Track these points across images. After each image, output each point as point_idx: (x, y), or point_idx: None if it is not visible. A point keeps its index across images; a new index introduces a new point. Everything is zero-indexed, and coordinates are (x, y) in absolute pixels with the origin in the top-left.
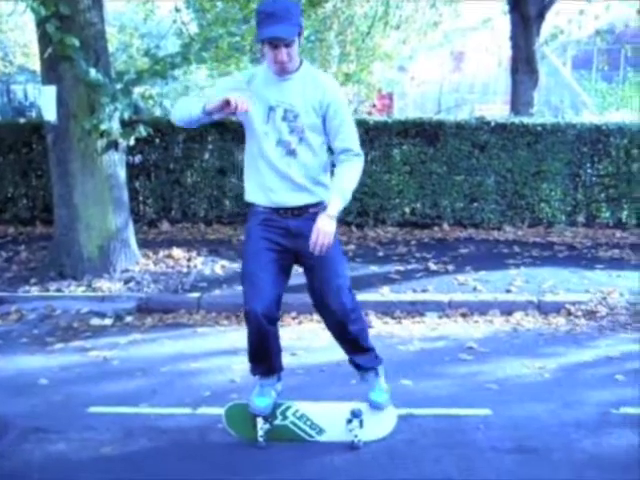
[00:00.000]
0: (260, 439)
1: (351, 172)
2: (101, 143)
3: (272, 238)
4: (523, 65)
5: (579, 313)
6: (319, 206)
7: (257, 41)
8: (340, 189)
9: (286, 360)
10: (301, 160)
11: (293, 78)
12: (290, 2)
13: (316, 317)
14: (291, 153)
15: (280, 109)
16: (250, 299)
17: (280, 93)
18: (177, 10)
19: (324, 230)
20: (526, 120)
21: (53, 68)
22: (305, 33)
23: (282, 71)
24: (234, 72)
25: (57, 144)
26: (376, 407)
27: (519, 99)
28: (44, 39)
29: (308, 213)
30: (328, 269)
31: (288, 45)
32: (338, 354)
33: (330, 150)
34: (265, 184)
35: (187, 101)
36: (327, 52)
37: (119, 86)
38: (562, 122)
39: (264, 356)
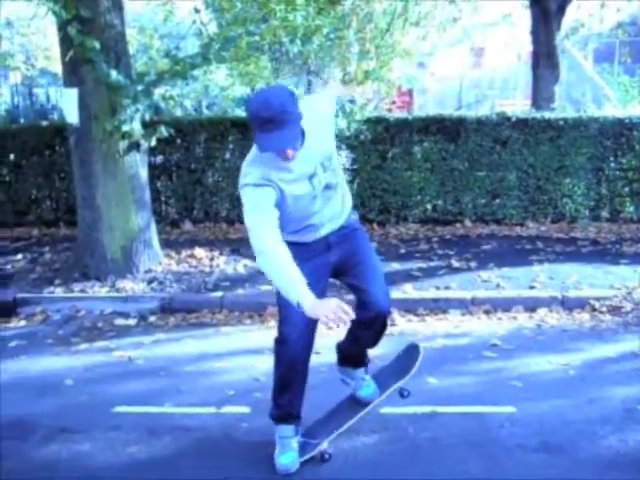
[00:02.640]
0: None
1: None
2: (123, 144)
3: (314, 266)
4: (544, 60)
5: (604, 309)
6: (351, 213)
7: (257, 146)
8: None
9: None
10: (338, 188)
11: (305, 140)
12: (282, 96)
13: None
14: (332, 188)
15: (319, 168)
16: (290, 325)
17: (308, 158)
18: (196, 11)
19: None
20: (548, 115)
21: (74, 71)
22: (324, 31)
23: (290, 160)
24: (260, 200)
25: (79, 146)
26: (370, 400)
27: (540, 94)
28: (65, 42)
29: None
30: (370, 268)
31: (295, 148)
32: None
33: None
34: (310, 233)
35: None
36: (346, 50)
37: (140, 87)
38: (584, 116)
39: (290, 388)
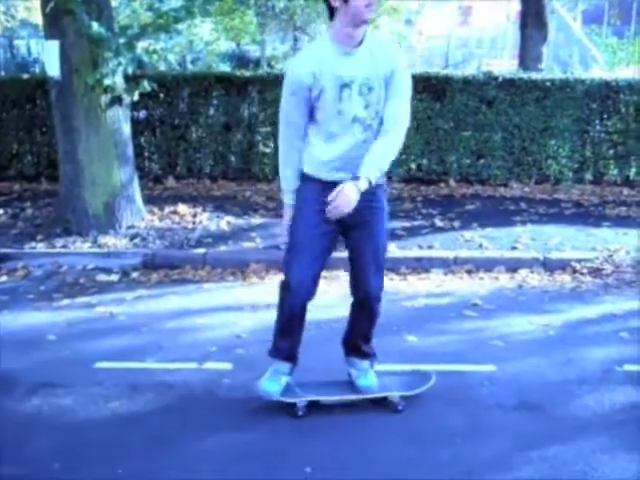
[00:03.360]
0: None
1: (394, 146)
2: (105, 98)
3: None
4: (532, 19)
5: (585, 270)
6: (382, 183)
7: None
8: (379, 162)
9: None
10: (375, 134)
11: (360, 50)
12: None
13: (325, 274)
14: (368, 128)
15: (355, 85)
16: (294, 270)
17: (352, 67)
18: None
19: (347, 196)
20: (534, 75)
21: (55, 23)
22: None
23: (363, 25)
24: (290, 79)
25: (61, 100)
26: (367, 391)
27: (528, 54)
28: None
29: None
30: (373, 247)
31: None
32: (347, 310)
33: None
34: (334, 162)
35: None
36: None
37: (122, 40)
38: (571, 78)
39: (290, 334)
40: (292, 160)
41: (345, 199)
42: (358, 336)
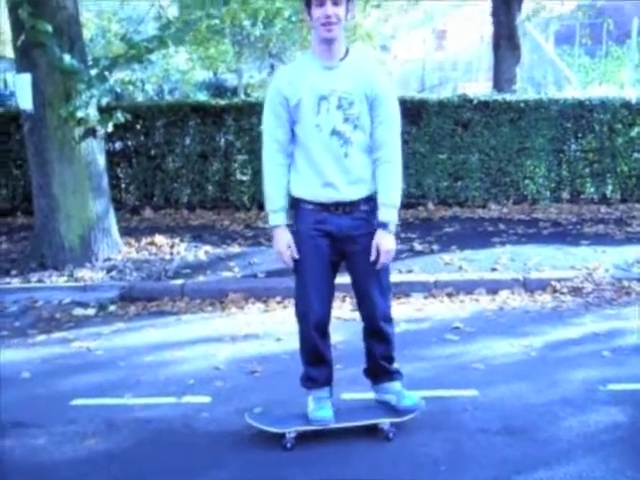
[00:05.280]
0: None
1: (399, 175)
2: (78, 131)
3: (325, 241)
4: (505, 41)
5: (565, 290)
6: (370, 202)
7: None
8: (394, 202)
9: (271, 346)
10: (357, 148)
11: (342, 65)
12: None
13: None
14: (347, 142)
15: (334, 98)
16: (315, 305)
17: (331, 81)
18: None
19: (387, 249)
20: (509, 97)
21: (27, 55)
22: (285, 14)
23: (329, 42)
24: (270, 91)
25: (34, 133)
26: (414, 410)
27: (502, 75)
28: (17, 25)
29: (359, 210)
30: (376, 270)
31: (336, 3)
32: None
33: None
34: (321, 178)
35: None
36: (308, 32)
37: (94, 72)
38: (545, 98)
39: (318, 361)
40: (275, 175)
41: (387, 253)
42: (379, 359)
